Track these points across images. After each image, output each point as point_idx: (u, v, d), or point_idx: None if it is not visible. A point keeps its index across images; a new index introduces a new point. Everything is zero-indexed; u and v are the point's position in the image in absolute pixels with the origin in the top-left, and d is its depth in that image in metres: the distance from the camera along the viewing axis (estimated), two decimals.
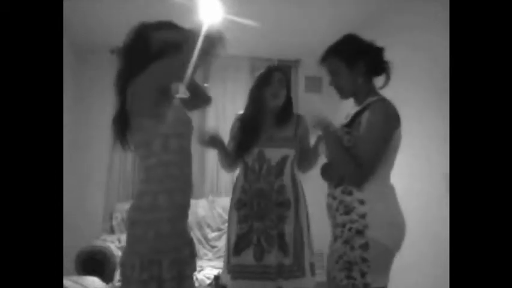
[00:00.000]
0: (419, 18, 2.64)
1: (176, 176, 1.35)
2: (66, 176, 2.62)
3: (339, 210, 1.34)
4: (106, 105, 3.70)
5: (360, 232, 1.27)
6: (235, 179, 1.94)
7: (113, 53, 3.61)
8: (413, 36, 2.68)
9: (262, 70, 1.93)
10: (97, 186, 3.54)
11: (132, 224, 1.34)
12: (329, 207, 1.41)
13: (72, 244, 2.59)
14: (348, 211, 1.31)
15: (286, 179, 1.79)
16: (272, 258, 1.71)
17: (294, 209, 1.79)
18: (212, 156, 3.81)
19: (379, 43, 1.55)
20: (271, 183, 1.76)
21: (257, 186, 1.77)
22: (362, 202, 1.29)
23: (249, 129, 1.83)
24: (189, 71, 1.37)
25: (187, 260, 1.38)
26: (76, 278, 2.34)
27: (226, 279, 1.80)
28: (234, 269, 1.75)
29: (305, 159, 1.90)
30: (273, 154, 1.79)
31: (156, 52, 1.38)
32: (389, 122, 1.33)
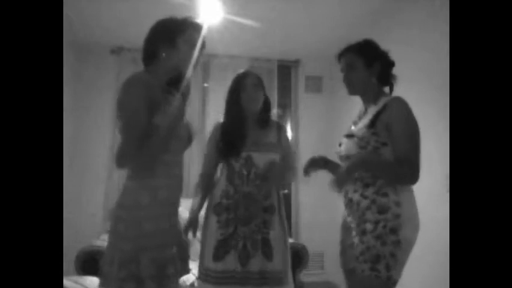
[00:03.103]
0: (419, 18, 2.64)
1: (161, 174, 1.34)
2: (66, 176, 2.62)
3: (372, 209, 1.40)
4: (106, 105, 3.71)
5: (393, 230, 1.35)
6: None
7: (113, 53, 3.62)
8: (413, 36, 2.68)
9: (239, 72, 1.90)
10: (97, 186, 3.54)
11: (115, 220, 1.32)
12: (356, 204, 1.45)
13: (72, 244, 2.59)
14: (383, 211, 1.38)
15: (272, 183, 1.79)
16: (256, 263, 1.69)
17: (278, 214, 1.78)
18: None
19: (378, 43, 1.57)
20: (259, 187, 1.75)
21: (245, 190, 1.74)
22: (397, 204, 1.38)
23: (235, 134, 1.80)
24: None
25: (170, 259, 1.35)
26: (76, 278, 2.33)
27: (203, 287, 1.73)
28: (213, 275, 1.70)
29: (287, 171, 1.88)
30: (260, 159, 1.77)
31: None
32: (414, 117, 1.43)
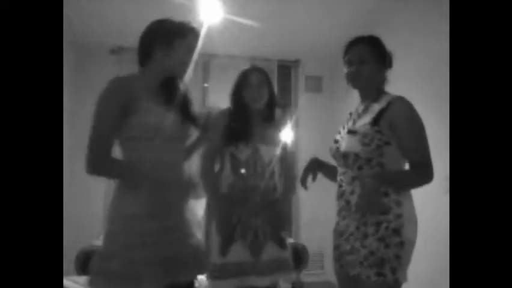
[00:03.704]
0: (419, 19, 2.64)
1: (149, 175, 1.34)
2: (66, 176, 2.61)
3: None
4: None
5: (396, 231, 1.32)
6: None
7: (113, 53, 3.62)
8: (412, 37, 2.68)
9: (242, 70, 1.86)
10: (97, 186, 3.53)
11: (108, 220, 1.35)
12: (354, 206, 1.40)
13: (72, 244, 2.59)
14: (384, 211, 1.34)
15: (277, 177, 1.81)
16: (268, 252, 1.72)
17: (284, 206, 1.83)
18: None
19: None
20: (267, 180, 1.75)
21: (252, 183, 1.73)
22: (398, 203, 1.35)
23: (242, 121, 1.76)
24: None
25: (165, 259, 1.33)
26: (76, 278, 2.34)
27: (211, 283, 1.70)
28: (224, 269, 1.68)
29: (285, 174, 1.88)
30: (266, 152, 1.77)
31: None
32: (419, 117, 1.40)
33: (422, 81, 2.53)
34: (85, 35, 3.41)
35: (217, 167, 1.83)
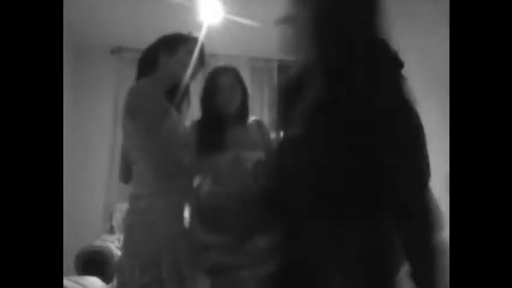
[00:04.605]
0: (420, 18, 2.64)
1: (167, 178, 1.37)
2: (66, 176, 2.62)
3: None
4: (106, 105, 3.71)
5: None
6: None
7: (113, 53, 3.62)
8: (412, 36, 2.68)
9: (209, 70, 1.69)
10: (97, 186, 3.54)
11: (128, 227, 1.37)
12: None
13: (72, 244, 2.59)
14: None
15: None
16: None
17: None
18: None
19: None
20: (249, 186, 1.52)
21: (235, 189, 1.53)
22: None
23: (215, 130, 1.60)
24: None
25: (184, 259, 1.38)
26: (76, 278, 2.34)
27: None
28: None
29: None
30: (248, 158, 1.57)
31: None
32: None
33: (423, 80, 2.53)
34: (85, 35, 3.41)
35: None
